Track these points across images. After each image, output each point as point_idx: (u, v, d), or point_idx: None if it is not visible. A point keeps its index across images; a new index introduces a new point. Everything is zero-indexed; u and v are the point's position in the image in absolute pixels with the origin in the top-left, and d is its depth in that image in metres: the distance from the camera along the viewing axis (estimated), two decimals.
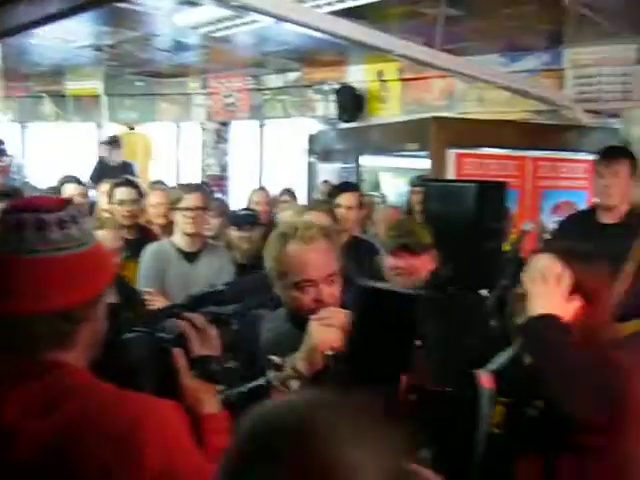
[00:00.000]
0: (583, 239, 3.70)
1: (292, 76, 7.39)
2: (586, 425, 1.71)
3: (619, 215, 3.64)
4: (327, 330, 1.76)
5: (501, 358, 2.09)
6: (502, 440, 1.88)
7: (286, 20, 3.27)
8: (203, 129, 8.51)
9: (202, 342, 1.56)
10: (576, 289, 1.86)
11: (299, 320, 1.89)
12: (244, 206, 4.78)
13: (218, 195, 6.66)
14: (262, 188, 6.02)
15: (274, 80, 7.61)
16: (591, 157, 5.18)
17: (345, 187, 4.46)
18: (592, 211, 3.79)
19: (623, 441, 1.77)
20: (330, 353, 1.76)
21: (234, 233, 4.14)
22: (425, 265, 2.84)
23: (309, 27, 3.13)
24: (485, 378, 2.00)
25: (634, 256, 3.52)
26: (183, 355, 1.52)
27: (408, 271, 2.80)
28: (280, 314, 2.05)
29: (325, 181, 6.19)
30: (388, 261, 2.83)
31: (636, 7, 4.37)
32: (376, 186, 8.25)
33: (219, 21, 4.61)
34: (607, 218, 3.65)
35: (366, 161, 6.88)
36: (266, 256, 1.99)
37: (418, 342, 2.25)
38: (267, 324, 2.08)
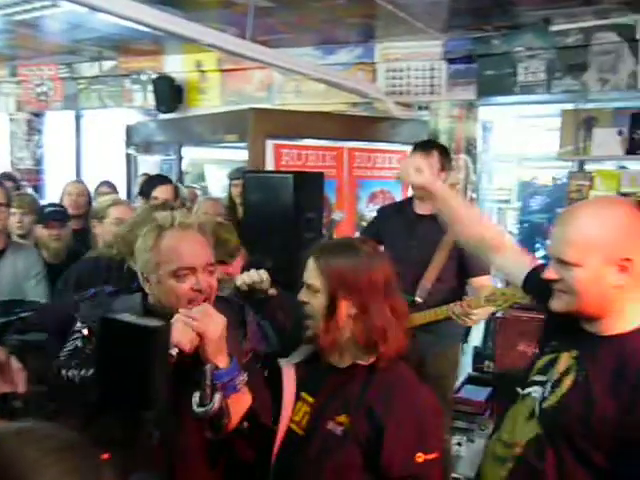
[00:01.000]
0: (399, 228, 3.88)
1: (107, 65, 7.09)
2: None
3: (432, 206, 3.83)
4: (183, 329, 1.69)
5: (306, 347, 2.04)
6: (299, 443, 1.85)
7: (86, 5, 3.11)
8: (12, 120, 7.96)
9: (2, 378, 1.42)
10: (345, 291, 1.81)
11: (159, 315, 1.80)
12: (54, 201, 4.52)
13: (29, 190, 6.26)
14: (78, 180, 5.78)
15: (89, 69, 7.27)
16: (403, 148, 5.45)
17: (160, 180, 4.38)
18: (409, 202, 3.96)
19: None
20: (174, 353, 1.69)
21: (41, 231, 3.91)
22: (238, 265, 2.84)
23: (109, 12, 2.99)
24: (287, 370, 1.98)
25: (443, 246, 3.73)
26: None
27: (223, 280, 2.78)
28: (134, 304, 1.93)
29: (144, 174, 6.02)
30: None
31: (438, 6, 4.61)
32: (201, 178, 8.18)
33: (16, 4, 4.32)
34: (422, 209, 3.84)
35: (189, 153, 6.78)
36: (139, 251, 1.91)
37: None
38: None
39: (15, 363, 1.46)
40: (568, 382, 1.67)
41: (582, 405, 1.59)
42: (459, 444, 4.42)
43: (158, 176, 4.64)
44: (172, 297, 1.84)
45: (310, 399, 1.89)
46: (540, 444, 1.66)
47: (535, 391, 1.76)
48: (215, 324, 1.72)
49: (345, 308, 1.82)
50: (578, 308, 1.68)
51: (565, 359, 1.72)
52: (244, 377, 1.78)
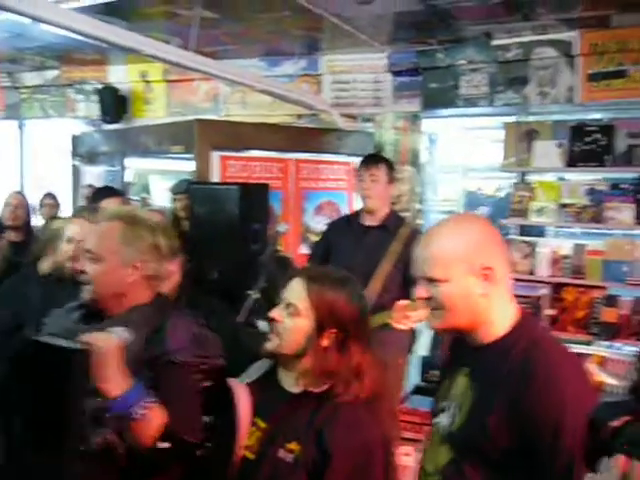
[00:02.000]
0: (347, 240, 3.92)
1: (50, 74, 6.97)
2: None
3: (379, 218, 3.90)
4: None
5: (256, 368, 2.01)
6: (251, 467, 1.82)
7: (27, 16, 3.05)
8: None
9: None
10: (331, 322, 1.84)
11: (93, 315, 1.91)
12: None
13: None
14: (18, 192, 5.68)
15: (31, 78, 7.13)
16: (349, 159, 5.49)
17: (108, 192, 4.33)
18: (357, 214, 4.04)
19: None
20: None
21: None
22: (178, 270, 2.81)
23: (50, 23, 2.95)
24: (241, 391, 1.94)
25: (389, 256, 3.78)
26: None
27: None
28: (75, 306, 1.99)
29: (90, 185, 5.93)
30: None
31: (383, 20, 4.66)
32: (146, 189, 8.06)
33: None
34: (369, 221, 3.92)
35: (134, 164, 6.69)
36: None
37: None
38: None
39: None
40: (468, 401, 1.71)
41: (482, 419, 1.62)
42: (407, 454, 4.43)
43: (106, 188, 4.57)
44: None
45: (262, 424, 1.87)
46: (457, 465, 1.69)
47: (442, 417, 1.79)
48: (101, 346, 1.65)
49: (326, 339, 1.84)
50: (453, 323, 1.72)
51: (461, 379, 1.77)
52: (145, 402, 1.72)
